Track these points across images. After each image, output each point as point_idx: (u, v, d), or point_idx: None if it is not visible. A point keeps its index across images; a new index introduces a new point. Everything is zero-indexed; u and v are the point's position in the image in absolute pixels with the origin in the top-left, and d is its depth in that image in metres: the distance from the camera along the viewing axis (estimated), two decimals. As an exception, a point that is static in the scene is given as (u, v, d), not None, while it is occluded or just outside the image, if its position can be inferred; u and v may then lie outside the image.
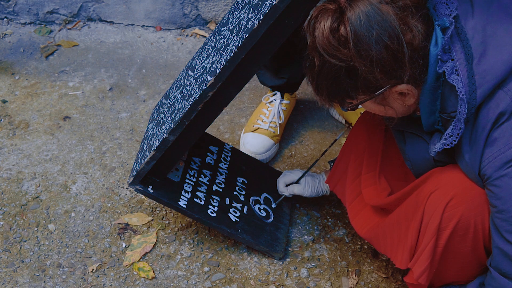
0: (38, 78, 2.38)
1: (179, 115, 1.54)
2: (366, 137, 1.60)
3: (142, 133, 2.15)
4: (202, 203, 1.73)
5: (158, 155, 1.61)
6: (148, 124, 1.79)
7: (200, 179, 1.78)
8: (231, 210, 1.76)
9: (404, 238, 1.42)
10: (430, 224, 1.32)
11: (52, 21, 2.64)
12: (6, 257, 1.76)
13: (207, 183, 1.79)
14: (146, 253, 1.77)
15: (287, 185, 1.83)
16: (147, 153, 1.63)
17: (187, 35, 2.62)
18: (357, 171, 1.61)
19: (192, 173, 1.78)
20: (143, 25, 2.64)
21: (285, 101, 2.14)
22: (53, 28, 2.63)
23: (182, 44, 2.57)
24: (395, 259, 1.46)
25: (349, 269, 1.75)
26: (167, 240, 1.81)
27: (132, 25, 2.64)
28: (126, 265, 1.74)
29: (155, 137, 1.63)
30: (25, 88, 2.33)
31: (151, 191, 1.67)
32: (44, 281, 1.70)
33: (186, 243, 1.80)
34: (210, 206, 1.73)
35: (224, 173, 1.85)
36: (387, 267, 1.75)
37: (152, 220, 1.86)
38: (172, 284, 1.70)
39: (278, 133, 2.09)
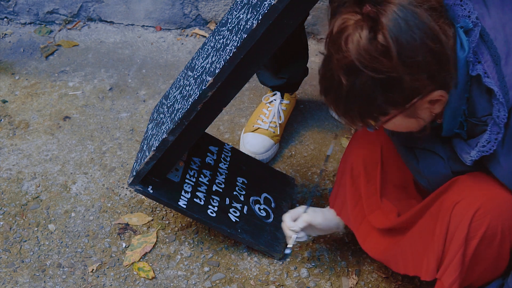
0: (38, 78, 2.38)
1: (179, 115, 1.54)
2: (361, 161, 1.54)
3: (142, 133, 2.15)
4: (202, 203, 1.73)
5: (158, 155, 1.61)
6: (148, 124, 1.80)
7: (200, 179, 1.78)
8: (231, 210, 1.76)
9: (428, 250, 1.38)
10: (456, 235, 1.29)
11: (52, 21, 2.65)
12: (6, 257, 1.76)
13: (207, 183, 1.79)
14: (146, 253, 1.77)
15: (294, 221, 1.66)
16: (147, 153, 1.63)
17: (187, 35, 2.62)
18: (356, 196, 1.57)
19: (192, 173, 1.78)
20: (143, 25, 2.64)
21: (285, 101, 2.14)
22: (53, 28, 2.63)
23: (182, 44, 2.57)
24: (419, 273, 1.42)
25: (349, 269, 1.75)
26: (167, 240, 1.81)
27: (132, 25, 2.64)
28: (126, 265, 1.74)
29: (155, 137, 1.64)
30: (25, 88, 2.33)
31: (151, 191, 1.67)
32: (44, 281, 1.70)
33: (186, 243, 1.80)
34: (210, 206, 1.73)
35: (224, 173, 1.85)
36: (387, 267, 1.75)
37: (152, 220, 1.86)
38: (172, 284, 1.70)
39: (278, 133, 2.08)
